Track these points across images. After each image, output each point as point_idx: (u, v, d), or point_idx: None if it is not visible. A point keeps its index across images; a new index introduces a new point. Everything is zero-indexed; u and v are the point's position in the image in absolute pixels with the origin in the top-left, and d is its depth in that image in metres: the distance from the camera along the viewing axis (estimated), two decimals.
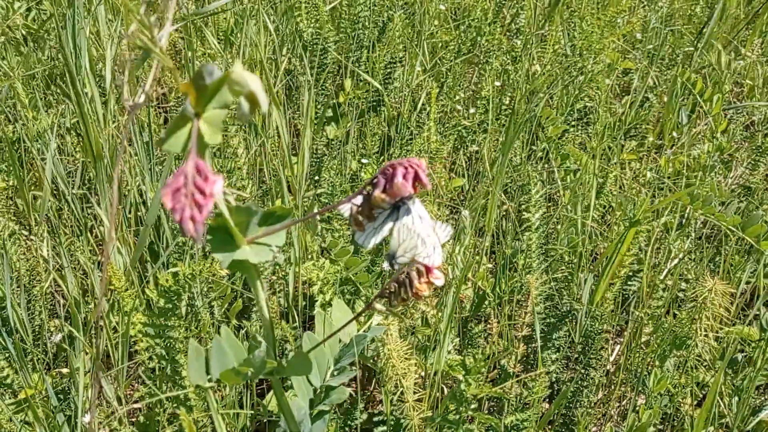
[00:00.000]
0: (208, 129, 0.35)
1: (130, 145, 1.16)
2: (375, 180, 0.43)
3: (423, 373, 0.93)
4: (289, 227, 0.45)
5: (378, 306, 0.47)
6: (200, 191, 0.32)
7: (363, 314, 0.51)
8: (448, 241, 0.48)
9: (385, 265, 0.46)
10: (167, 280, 0.64)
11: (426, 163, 0.43)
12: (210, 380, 0.49)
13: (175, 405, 0.75)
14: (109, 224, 0.95)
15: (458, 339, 1.01)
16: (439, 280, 0.46)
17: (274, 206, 0.51)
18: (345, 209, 0.46)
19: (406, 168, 0.42)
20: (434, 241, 0.46)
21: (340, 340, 0.55)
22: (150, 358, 0.75)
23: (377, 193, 0.43)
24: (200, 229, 0.32)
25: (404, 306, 0.55)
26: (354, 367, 0.54)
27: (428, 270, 0.46)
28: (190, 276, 0.62)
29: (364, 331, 0.55)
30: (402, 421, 0.81)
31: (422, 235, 0.45)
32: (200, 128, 0.35)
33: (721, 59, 1.41)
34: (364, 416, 1.00)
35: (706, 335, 0.81)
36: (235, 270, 0.43)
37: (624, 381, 1.03)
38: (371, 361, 0.96)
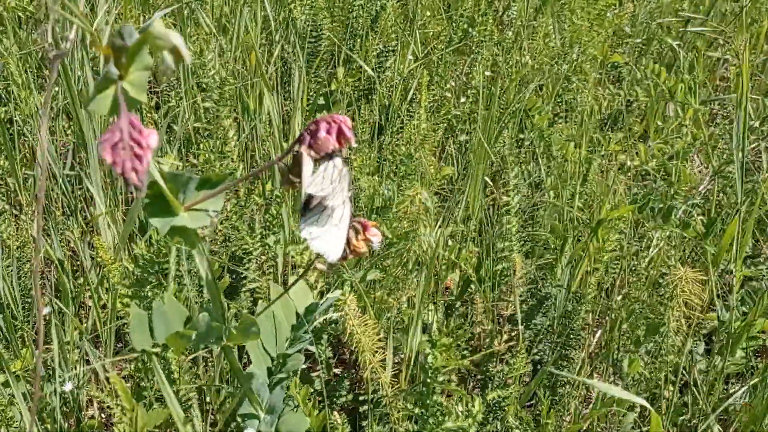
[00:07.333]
0: (132, 90, 0.36)
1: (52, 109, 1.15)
2: (301, 137, 0.44)
3: (395, 357, 0.95)
4: (224, 191, 0.45)
5: (319, 266, 0.48)
6: (137, 144, 0.33)
7: (306, 273, 0.52)
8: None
9: (302, 227, 0.45)
10: (148, 242, 0.65)
11: (349, 122, 0.44)
12: (155, 345, 0.50)
13: (154, 376, 0.76)
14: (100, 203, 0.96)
15: (444, 320, 1.03)
16: (376, 237, 0.47)
17: (209, 173, 0.52)
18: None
19: (329, 123, 0.44)
20: (344, 198, 0.46)
21: (297, 313, 0.56)
22: (126, 325, 0.76)
23: (303, 148, 0.43)
24: (144, 178, 0.33)
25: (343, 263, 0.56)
26: (309, 336, 0.56)
27: (365, 227, 0.47)
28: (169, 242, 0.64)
29: (321, 302, 0.56)
30: (379, 400, 0.83)
31: (336, 188, 0.45)
32: (125, 89, 0.36)
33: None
34: (350, 396, 1.02)
35: (677, 321, 0.83)
36: (175, 236, 0.44)
37: (603, 367, 1.05)
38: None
